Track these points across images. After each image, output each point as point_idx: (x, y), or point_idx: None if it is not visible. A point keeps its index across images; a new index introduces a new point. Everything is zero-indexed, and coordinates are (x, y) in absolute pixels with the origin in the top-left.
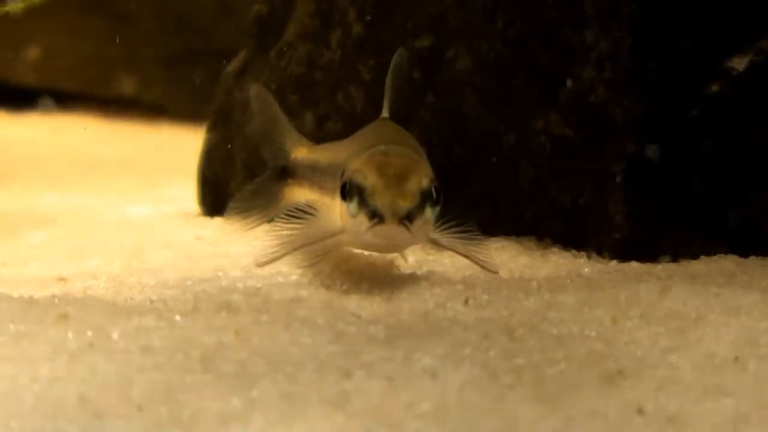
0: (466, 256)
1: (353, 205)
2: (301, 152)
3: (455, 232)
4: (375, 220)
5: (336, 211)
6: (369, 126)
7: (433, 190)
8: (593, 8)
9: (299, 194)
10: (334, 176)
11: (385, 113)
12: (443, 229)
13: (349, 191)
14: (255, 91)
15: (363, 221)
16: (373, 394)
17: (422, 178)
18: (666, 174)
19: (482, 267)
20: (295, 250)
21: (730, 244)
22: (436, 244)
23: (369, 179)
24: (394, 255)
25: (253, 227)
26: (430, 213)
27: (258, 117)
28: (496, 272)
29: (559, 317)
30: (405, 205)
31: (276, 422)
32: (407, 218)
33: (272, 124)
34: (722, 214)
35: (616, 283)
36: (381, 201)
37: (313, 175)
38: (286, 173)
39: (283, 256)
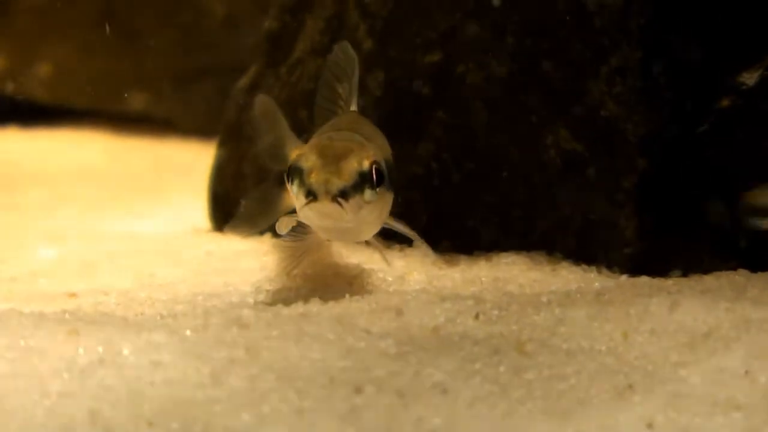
0: (412, 237)
1: (295, 186)
2: (295, 155)
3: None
4: (310, 198)
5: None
6: (338, 119)
7: (373, 171)
8: (603, 23)
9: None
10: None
11: (353, 107)
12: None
13: (290, 174)
14: (259, 101)
15: (301, 200)
16: (384, 410)
17: (363, 160)
18: (676, 189)
19: (426, 248)
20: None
21: (741, 259)
22: (391, 227)
23: (308, 161)
24: (402, 272)
25: (256, 233)
26: (369, 194)
27: (261, 126)
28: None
29: (570, 332)
30: (338, 182)
31: None
32: (341, 195)
33: (273, 131)
34: (733, 229)
35: (627, 297)
36: (315, 179)
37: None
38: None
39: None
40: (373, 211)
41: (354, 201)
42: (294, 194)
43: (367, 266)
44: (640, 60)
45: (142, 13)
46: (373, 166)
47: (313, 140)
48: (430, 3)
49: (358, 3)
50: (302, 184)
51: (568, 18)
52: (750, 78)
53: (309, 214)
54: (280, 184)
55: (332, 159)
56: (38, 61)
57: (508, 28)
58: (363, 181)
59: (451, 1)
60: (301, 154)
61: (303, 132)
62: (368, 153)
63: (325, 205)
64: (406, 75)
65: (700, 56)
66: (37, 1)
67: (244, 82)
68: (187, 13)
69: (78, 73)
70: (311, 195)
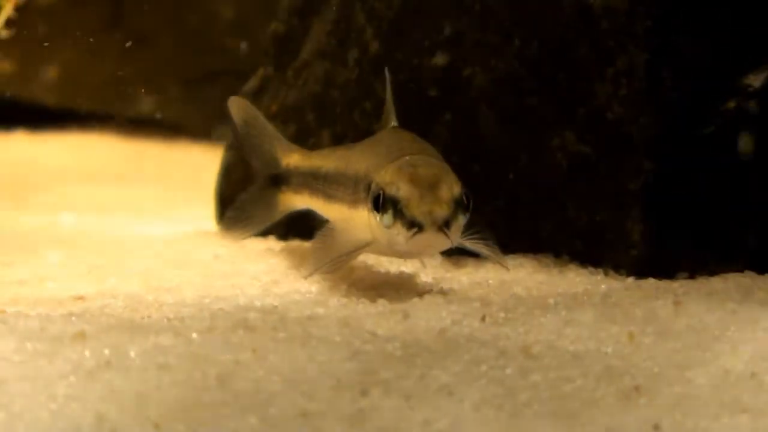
0: (486, 256)
1: (387, 217)
2: (294, 159)
3: (471, 235)
4: (414, 230)
5: (359, 222)
6: (381, 135)
7: (463, 196)
8: (609, 25)
9: (297, 201)
10: (347, 186)
11: (393, 122)
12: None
13: (382, 204)
14: (234, 102)
15: (400, 231)
16: (390, 412)
17: (453, 186)
18: (683, 191)
19: (502, 265)
20: (333, 263)
21: (748, 261)
22: (462, 247)
23: (403, 190)
24: (409, 274)
25: (249, 236)
26: (462, 219)
27: (242, 126)
28: (508, 269)
29: (576, 334)
30: (442, 212)
31: None
32: (446, 225)
33: (259, 132)
34: (740, 231)
35: (633, 299)
36: (418, 210)
37: (315, 182)
38: (279, 181)
39: (322, 268)
40: (460, 232)
41: (455, 228)
42: (384, 223)
43: (373, 269)
44: (646, 62)
45: (150, 17)
46: (463, 191)
47: (394, 167)
48: (437, 6)
49: (364, 5)
50: (400, 214)
51: (574, 20)
52: (756, 80)
53: (403, 241)
54: (273, 186)
55: (428, 188)
56: (46, 64)
57: (514, 30)
58: (457, 207)
59: (457, 4)
60: (389, 182)
61: (310, 135)
62: (454, 177)
63: (431, 236)
64: (413, 77)
65: (706, 58)
66: (46, 5)
67: (251, 85)
68: (195, 16)
69: (86, 77)
70: (415, 226)
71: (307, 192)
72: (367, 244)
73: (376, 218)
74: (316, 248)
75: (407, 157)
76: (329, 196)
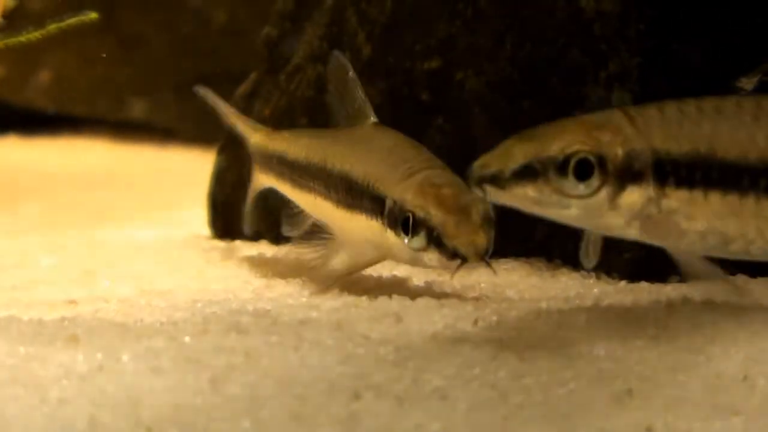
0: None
1: (418, 240)
2: (257, 138)
3: None
4: (458, 261)
5: (360, 229)
6: (367, 133)
7: (491, 213)
8: (602, 29)
9: (265, 180)
10: (329, 182)
11: (372, 117)
12: None
13: (413, 227)
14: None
15: (438, 259)
16: (383, 415)
17: (480, 205)
18: None
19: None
20: (344, 275)
21: (740, 265)
22: None
23: (436, 216)
24: (401, 278)
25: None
26: (493, 234)
27: (215, 109)
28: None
29: (569, 337)
30: (484, 243)
31: None
32: (486, 253)
33: (223, 117)
34: None
35: (626, 303)
36: (460, 241)
37: (281, 167)
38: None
39: (335, 282)
40: None
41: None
42: (413, 246)
43: (366, 272)
44: (639, 66)
45: (142, 21)
46: (489, 207)
47: (416, 186)
48: (429, 10)
49: (357, 9)
50: (436, 242)
51: (566, 24)
52: (748, 83)
53: (440, 266)
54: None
55: (460, 212)
56: (38, 69)
57: (506, 34)
58: (491, 228)
59: (449, 8)
60: (417, 205)
61: None
62: (475, 194)
63: (475, 265)
64: (406, 82)
65: (698, 61)
66: (38, 9)
67: (243, 89)
68: (188, 20)
69: (78, 81)
70: (458, 257)
71: (273, 175)
72: (380, 260)
73: (398, 236)
74: (321, 261)
75: (423, 173)
76: (298, 184)
